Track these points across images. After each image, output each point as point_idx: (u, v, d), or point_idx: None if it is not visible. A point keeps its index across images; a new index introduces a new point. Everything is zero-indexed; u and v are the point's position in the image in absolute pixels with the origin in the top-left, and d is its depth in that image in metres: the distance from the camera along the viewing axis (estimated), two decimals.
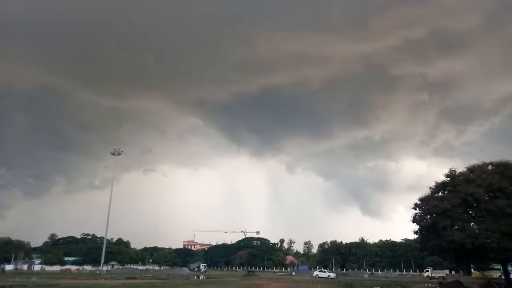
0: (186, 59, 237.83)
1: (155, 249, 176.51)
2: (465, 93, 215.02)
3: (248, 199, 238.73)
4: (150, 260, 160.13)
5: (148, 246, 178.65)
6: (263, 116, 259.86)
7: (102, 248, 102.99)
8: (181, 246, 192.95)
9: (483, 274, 60.12)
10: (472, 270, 72.24)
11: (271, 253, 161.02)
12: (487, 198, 38.89)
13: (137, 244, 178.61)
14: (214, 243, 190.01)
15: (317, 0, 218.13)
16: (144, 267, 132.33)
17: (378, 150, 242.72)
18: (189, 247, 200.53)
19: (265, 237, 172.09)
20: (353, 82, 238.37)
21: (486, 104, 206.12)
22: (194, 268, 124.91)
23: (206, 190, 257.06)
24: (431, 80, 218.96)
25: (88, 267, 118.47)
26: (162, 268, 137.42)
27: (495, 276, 55.85)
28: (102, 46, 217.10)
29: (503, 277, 46.96)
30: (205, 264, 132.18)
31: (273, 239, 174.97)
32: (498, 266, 51.49)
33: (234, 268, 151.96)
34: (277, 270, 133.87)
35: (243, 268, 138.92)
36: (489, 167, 42.45)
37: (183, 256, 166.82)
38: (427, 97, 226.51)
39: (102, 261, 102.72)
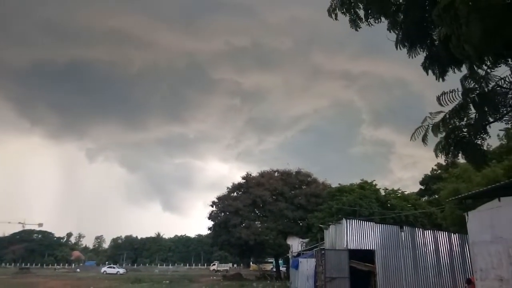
0: None
1: None
2: (270, 106, 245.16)
3: (34, 187, 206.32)
4: None
5: None
6: (71, 92, 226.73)
7: None
8: None
9: (259, 266, 68.66)
10: (251, 263, 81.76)
11: (54, 248, 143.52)
12: (271, 201, 44.62)
13: None
14: None
15: None
16: None
17: (188, 148, 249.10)
18: None
19: (50, 230, 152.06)
20: (175, 76, 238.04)
21: (284, 120, 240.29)
22: None
23: None
24: (245, 89, 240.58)
25: None
26: None
27: (268, 269, 64.38)
28: None
29: (274, 269, 54.60)
30: None
31: (61, 232, 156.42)
32: (272, 260, 59.51)
33: (4, 264, 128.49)
34: (59, 266, 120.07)
35: (16, 265, 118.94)
36: (276, 174, 48.94)
37: None
38: (239, 104, 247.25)
39: None
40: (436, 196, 40.46)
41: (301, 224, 43.23)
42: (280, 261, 51.28)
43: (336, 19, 5.90)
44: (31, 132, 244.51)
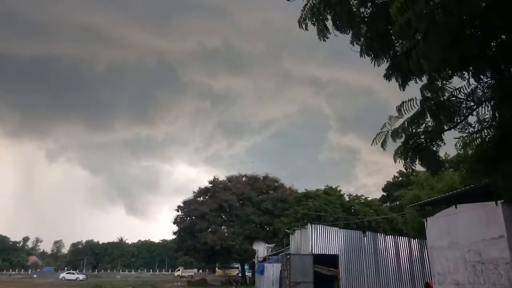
0: None
1: None
2: (240, 110, 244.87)
3: None
4: None
5: None
6: (32, 89, 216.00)
7: None
8: None
9: (224, 272, 68.22)
10: (217, 268, 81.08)
11: (9, 253, 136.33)
12: (238, 205, 44.53)
13: None
14: None
15: None
16: None
17: (155, 151, 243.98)
18: None
19: (4, 234, 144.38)
20: (144, 76, 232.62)
21: (254, 124, 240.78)
22: None
23: None
24: (215, 92, 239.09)
25: None
26: None
27: (234, 274, 64.12)
28: None
29: (240, 275, 54.41)
30: None
31: (16, 237, 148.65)
32: (238, 265, 59.31)
33: None
34: (14, 272, 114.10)
35: None
36: (244, 179, 48.95)
37: None
38: (209, 107, 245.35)
39: None
40: (397, 203, 41.85)
41: (267, 229, 43.42)
42: (246, 266, 51.19)
43: (306, 29, 6.04)
44: None
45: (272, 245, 38.77)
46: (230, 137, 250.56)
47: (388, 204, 46.77)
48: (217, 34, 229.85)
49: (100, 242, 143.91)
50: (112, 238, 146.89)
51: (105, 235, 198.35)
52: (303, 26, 6.06)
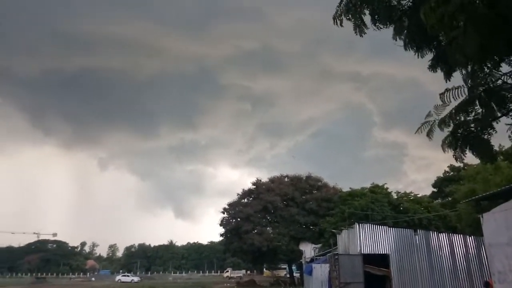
0: None
1: None
2: (280, 111, 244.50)
3: (48, 197, 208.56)
4: None
5: None
6: (83, 101, 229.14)
7: None
8: None
9: (272, 273, 68.36)
10: (264, 269, 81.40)
11: (69, 258, 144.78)
12: (282, 206, 44.45)
13: None
14: None
15: None
16: None
17: (198, 155, 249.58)
18: None
19: (64, 240, 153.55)
20: (185, 82, 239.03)
21: (294, 124, 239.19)
22: None
23: None
24: (255, 93, 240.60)
25: None
26: None
27: (282, 275, 64.09)
28: None
29: (288, 275, 54.29)
30: None
31: (74, 242, 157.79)
32: (285, 266, 59.22)
33: (20, 274, 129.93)
34: (74, 275, 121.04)
35: (31, 275, 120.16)
36: (286, 179, 48.79)
37: None
38: (249, 109, 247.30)
39: None
40: (450, 199, 39.90)
41: (313, 229, 42.96)
42: (294, 267, 50.98)
43: (341, 25, 5.93)
44: (44, 142, 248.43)
45: (319, 245, 38.31)
46: (272, 138, 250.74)
47: (439, 200, 44.69)
48: (254, 36, 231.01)
49: (152, 245, 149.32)
50: (163, 241, 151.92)
51: (156, 238, 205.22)
52: (338, 22, 5.97)
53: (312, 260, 34.55)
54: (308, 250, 39.16)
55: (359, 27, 6.00)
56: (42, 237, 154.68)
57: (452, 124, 5.79)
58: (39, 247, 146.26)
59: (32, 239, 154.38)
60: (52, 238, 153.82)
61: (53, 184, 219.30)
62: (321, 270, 26.62)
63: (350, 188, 42.43)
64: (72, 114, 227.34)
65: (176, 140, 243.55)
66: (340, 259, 21.72)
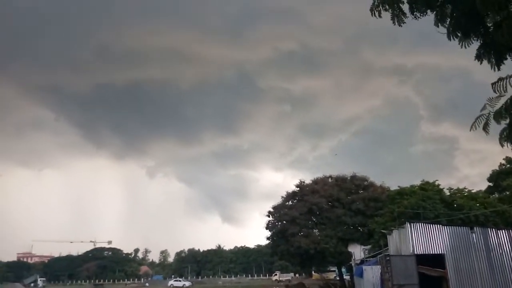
0: (38, 34, 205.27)
1: None
2: (321, 110, 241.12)
3: (102, 206, 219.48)
4: None
5: None
6: (129, 113, 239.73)
7: None
8: (15, 259, 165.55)
9: (321, 275, 67.37)
10: (313, 272, 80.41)
11: (123, 264, 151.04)
12: (328, 207, 43.70)
13: None
14: (56, 255, 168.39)
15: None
16: None
17: (241, 159, 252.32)
18: (25, 259, 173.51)
19: (118, 247, 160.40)
20: (224, 88, 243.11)
21: (336, 123, 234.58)
22: (30, 283, 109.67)
23: (51, 194, 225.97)
24: (294, 95, 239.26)
25: None
26: None
27: (331, 277, 62.99)
28: None
29: (337, 278, 53.25)
30: (44, 279, 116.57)
31: (128, 248, 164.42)
32: (334, 268, 58.17)
33: (79, 281, 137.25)
34: (128, 281, 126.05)
35: (90, 282, 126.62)
36: (330, 180, 47.96)
37: (17, 270, 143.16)
38: (289, 111, 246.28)
39: None
40: (507, 193, 37.41)
41: (361, 230, 41.84)
42: (343, 269, 49.93)
43: (379, 16, 5.72)
44: (96, 155, 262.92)
45: (368, 246, 37.25)
46: (313, 139, 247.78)
47: (496, 195, 41.96)
48: (291, 36, 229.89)
49: (201, 250, 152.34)
50: (211, 245, 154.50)
51: (204, 243, 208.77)
52: (376, 13, 5.77)
53: (362, 262, 33.70)
54: (357, 251, 38.22)
55: (398, 17, 5.77)
56: (98, 245, 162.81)
57: (508, 116, 5.39)
58: (95, 254, 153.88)
59: (89, 247, 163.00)
60: (107, 246, 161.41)
61: (106, 194, 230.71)
62: (372, 272, 25.87)
63: (399, 186, 40.94)
64: (122, 126, 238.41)
65: (219, 145, 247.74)
66: (392, 260, 20.99)
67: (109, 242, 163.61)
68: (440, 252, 20.95)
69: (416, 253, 20.88)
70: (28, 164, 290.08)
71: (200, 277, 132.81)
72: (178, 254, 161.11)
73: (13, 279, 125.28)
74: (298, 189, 47.05)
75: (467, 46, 5.64)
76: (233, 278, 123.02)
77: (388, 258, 21.64)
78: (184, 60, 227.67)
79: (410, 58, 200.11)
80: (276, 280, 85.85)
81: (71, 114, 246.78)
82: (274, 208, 46.47)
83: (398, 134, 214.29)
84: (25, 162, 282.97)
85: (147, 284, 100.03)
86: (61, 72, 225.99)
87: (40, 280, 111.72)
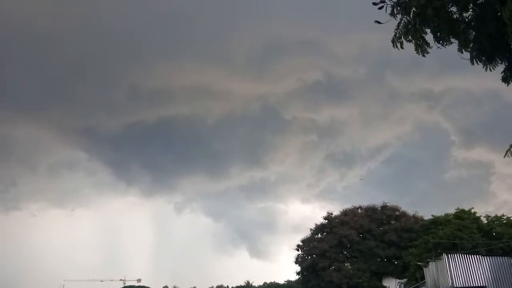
0: (72, 79, 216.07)
1: None
2: (347, 139, 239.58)
3: (132, 243, 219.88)
4: None
5: None
6: (158, 150, 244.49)
7: None
8: None
9: None
10: None
11: None
12: (359, 239, 42.33)
13: None
14: None
15: (218, 37, 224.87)
16: None
17: (268, 192, 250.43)
18: None
19: (147, 285, 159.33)
20: (250, 121, 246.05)
21: (364, 151, 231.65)
22: None
23: (82, 234, 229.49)
24: (320, 125, 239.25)
25: None
26: None
27: None
28: None
29: None
30: None
31: (157, 286, 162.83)
32: None
33: None
34: None
35: None
36: (360, 211, 46.74)
37: None
38: (316, 141, 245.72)
39: None
40: None
41: (395, 263, 40.18)
42: None
43: (401, 47, 5.79)
44: (127, 193, 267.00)
45: (404, 280, 35.56)
46: (341, 168, 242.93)
47: None
48: (315, 67, 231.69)
49: (229, 287, 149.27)
50: (240, 281, 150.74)
51: (233, 278, 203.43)
52: (398, 45, 5.85)
53: None
54: (392, 286, 36.56)
55: (421, 47, 5.82)
56: (128, 283, 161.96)
57: None
58: None
59: (119, 285, 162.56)
60: (136, 284, 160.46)
61: (135, 232, 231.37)
62: None
63: (432, 215, 39.36)
64: (151, 163, 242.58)
65: (246, 179, 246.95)
66: None
67: (139, 280, 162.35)
68: (482, 285, 19.81)
69: (455, 286, 19.81)
70: (61, 204, 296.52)
71: None
72: None
73: None
74: (326, 221, 46.02)
75: (492, 69, 5.62)
76: None
77: None
78: (211, 96, 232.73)
79: (437, 82, 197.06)
80: None
81: (103, 154, 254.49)
82: (303, 241, 45.45)
83: (430, 161, 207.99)
84: (59, 202, 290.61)
85: None
86: (95, 114, 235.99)
87: None
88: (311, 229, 46.49)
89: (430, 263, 24.39)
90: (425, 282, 24.39)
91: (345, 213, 46.72)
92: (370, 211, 45.69)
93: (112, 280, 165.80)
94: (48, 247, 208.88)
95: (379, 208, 45.57)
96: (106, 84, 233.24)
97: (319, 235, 45.83)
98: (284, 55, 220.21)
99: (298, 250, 45.45)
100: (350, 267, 41.88)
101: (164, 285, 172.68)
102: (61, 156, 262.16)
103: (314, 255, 43.18)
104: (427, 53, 5.88)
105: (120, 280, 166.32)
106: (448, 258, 20.89)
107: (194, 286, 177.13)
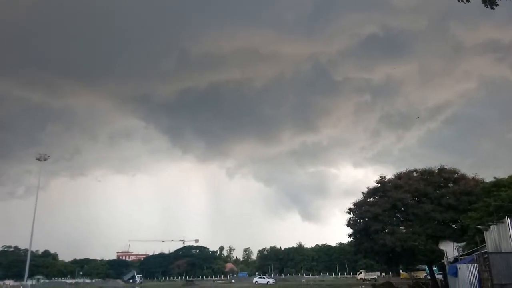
0: (127, 49, 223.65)
1: (86, 261, 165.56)
2: (404, 99, 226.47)
3: (189, 206, 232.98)
4: (81, 273, 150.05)
5: (78, 258, 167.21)
6: (211, 116, 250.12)
7: (25, 261, 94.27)
8: (115, 257, 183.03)
9: (410, 275, 64.01)
10: (401, 271, 76.72)
11: (210, 262, 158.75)
12: (414, 203, 41.37)
13: (66, 256, 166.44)
14: (150, 253, 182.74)
15: None
16: (73, 281, 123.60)
17: (320, 156, 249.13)
18: (124, 257, 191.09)
19: (204, 245, 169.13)
20: (300, 83, 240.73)
21: (423, 111, 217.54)
22: (129, 280, 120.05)
23: (143, 197, 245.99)
24: (374, 84, 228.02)
25: (10, 282, 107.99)
26: (93, 281, 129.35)
27: (421, 276, 59.59)
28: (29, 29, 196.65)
29: (428, 277, 50.23)
30: (141, 275, 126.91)
31: (213, 247, 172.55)
32: (424, 267, 54.98)
33: (172, 278, 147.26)
34: (216, 278, 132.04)
35: (181, 278, 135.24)
36: (415, 174, 45.30)
37: (117, 268, 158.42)
38: (370, 102, 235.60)
39: (26, 275, 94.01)
40: None
41: (453, 226, 38.94)
42: (434, 268, 46.87)
43: (468, 1, 5.40)
44: (182, 159, 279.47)
45: (462, 244, 34.60)
46: (398, 130, 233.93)
47: None
48: (371, 20, 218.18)
49: (282, 248, 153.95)
50: (292, 243, 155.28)
51: (285, 241, 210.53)
52: None
53: (456, 260, 31.52)
54: (449, 249, 35.75)
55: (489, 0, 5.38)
56: (187, 243, 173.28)
57: None
58: (185, 252, 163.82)
59: (179, 245, 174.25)
60: (195, 244, 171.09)
61: (191, 195, 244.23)
62: (468, 271, 24.04)
63: (494, 177, 37.31)
64: (204, 129, 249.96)
65: (298, 144, 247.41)
66: (491, 259, 19.40)
67: (196, 241, 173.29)
68: None
69: None
70: (122, 170, 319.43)
71: (283, 274, 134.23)
72: (261, 252, 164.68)
73: (114, 276, 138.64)
74: (379, 184, 45.22)
75: None
76: (316, 276, 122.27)
77: (486, 256, 20.01)
78: (260, 59, 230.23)
79: (507, 31, 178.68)
80: (361, 279, 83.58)
81: (159, 121, 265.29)
82: (355, 205, 45.19)
83: (495, 120, 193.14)
84: (120, 168, 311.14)
85: (233, 281, 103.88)
86: (149, 82, 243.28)
87: (138, 276, 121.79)
88: (363, 193, 46.03)
89: (491, 226, 23.46)
90: (485, 246, 23.59)
91: (399, 176, 45.52)
92: (426, 174, 44.11)
93: (172, 240, 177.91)
94: (114, 209, 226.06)
95: (436, 171, 43.85)
96: (158, 51, 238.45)
97: (371, 199, 45.28)
98: (335, 12, 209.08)
99: (349, 213, 45.33)
100: (404, 231, 41.30)
101: (220, 245, 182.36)
102: (119, 124, 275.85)
103: (366, 218, 42.90)
104: (496, 5, 5.43)
105: (180, 240, 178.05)
106: (510, 221, 19.97)
107: (248, 247, 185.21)
